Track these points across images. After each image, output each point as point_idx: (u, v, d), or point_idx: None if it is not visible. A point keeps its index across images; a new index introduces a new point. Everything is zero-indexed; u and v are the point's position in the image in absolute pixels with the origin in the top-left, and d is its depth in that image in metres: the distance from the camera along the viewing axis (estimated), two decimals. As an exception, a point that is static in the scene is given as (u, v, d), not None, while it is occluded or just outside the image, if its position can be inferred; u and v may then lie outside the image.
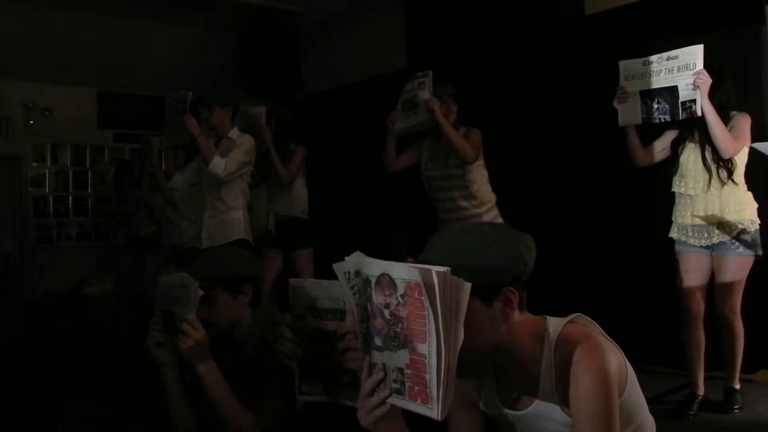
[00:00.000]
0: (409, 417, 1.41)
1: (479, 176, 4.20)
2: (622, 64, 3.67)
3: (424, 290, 1.25)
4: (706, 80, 3.33)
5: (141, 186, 5.81)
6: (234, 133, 4.47)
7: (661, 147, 3.70)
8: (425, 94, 4.08)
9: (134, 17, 6.66)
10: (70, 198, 7.54)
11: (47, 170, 7.40)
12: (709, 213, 3.47)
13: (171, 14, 6.73)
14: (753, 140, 3.42)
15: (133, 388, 3.67)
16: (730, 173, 3.43)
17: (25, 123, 7.19)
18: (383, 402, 1.39)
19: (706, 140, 3.47)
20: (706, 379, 3.63)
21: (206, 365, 2.19)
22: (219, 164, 4.26)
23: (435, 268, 1.24)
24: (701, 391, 3.58)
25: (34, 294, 6.88)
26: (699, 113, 3.36)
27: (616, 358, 1.48)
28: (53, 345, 5.90)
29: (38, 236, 7.32)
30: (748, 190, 3.51)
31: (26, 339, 6.38)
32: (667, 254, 3.70)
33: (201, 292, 2.18)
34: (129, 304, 6.28)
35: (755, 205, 3.49)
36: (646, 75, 3.56)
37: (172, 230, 5.09)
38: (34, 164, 7.33)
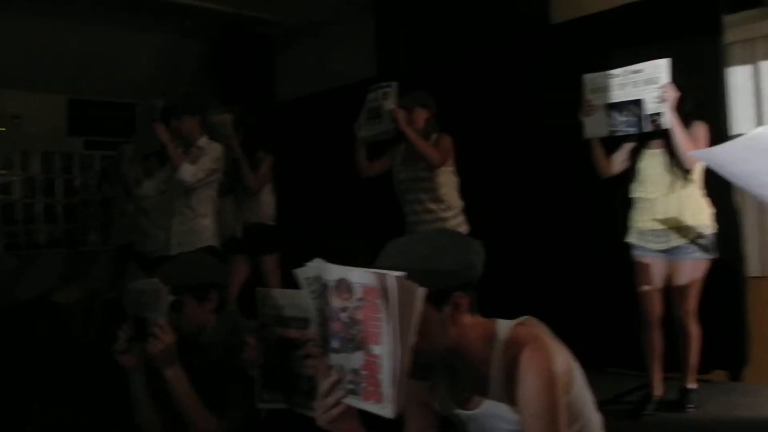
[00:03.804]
0: (367, 418, 1.47)
1: (448, 181, 4.27)
2: (588, 78, 3.73)
3: (380, 294, 1.31)
4: (672, 94, 3.42)
5: (116, 194, 5.82)
6: (203, 141, 4.50)
7: (622, 158, 3.78)
8: (390, 104, 4.18)
9: (106, 24, 6.63)
10: (39, 205, 7.49)
11: (16, 177, 7.35)
12: (668, 216, 3.56)
13: (143, 21, 6.72)
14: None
15: (101, 394, 3.69)
16: (689, 174, 3.54)
17: (-5, 130, 7.15)
18: (339, 402, 1.44)
19: (669, 147, 3.56)
20: (663, 379, 3.71)
21: (174, 369, 2.24)
22: (188, 171, 4.30)
23: (391, 273, 1.30)
24: (658, 392, 3.67)
25: (3, 301, 6.83)
26: (666, 126, 3.45)
27: (562, 358, 1.54)
28: (22, 351, 5.87)
29: (6, 243, 7.27)
30: (704, 195, 3.61)
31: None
32: (626, 259, 3.78)
33: (171, 298, 2.23)
34: (100, 310, 6.27)
35: (711, 210, 3.59)
36: (612, 88, 3.62)
37: (144, 238, 5.11)
38: (3, 171, 7.27)
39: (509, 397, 1.55)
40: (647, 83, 3.50)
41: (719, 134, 3.92)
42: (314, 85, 6.63)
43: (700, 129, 3.55)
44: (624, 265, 3.80)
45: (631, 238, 3.72)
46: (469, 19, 5.39)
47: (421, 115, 4.26)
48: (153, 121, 4.36)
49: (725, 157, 1.38)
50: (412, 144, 4.15)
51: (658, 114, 3.47)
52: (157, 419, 2.40)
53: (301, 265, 1.51)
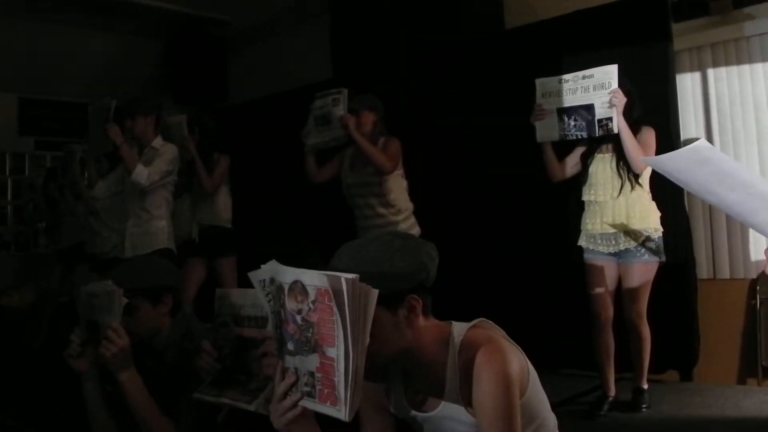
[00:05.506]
0: (325, 421, 1.47)
1: (397, 185, 4.26)
2: (539, 82, 3.77)
3: (333, 296, 1.31)
4: (622, 99, 3.47)
5: (64, 194, 5.72)
6: (157, 141, 4.45)
7: (573, 162, 3.84)
8: (340, 110, 4.16)
9: (58, 22, 6.52)
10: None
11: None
12: (617, 220, 3.61)
13: (96, 20, 6.62)
14: (658, 152, 3.60)
15: (53, 400, 3.63)
16: (637, 178, 3.61)
17: (-58, 129, 6.99)
18: (295, 405, 1.44)
19: (618, 151, 3.63)
20: (616, 380, 3.77)
21: (128, 373, 2.21)
22: (142, 173, 4.24)
23: (344, 275, 1.30)
24: (612, 392, 3.72)
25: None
26: (615, 131, 3.50)
27: (517, 360, 1.55)
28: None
29: (-46, 246, 7.12)
30: (653, 199, 3.68)
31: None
32: (578, 261, 3.83)
33: (125, 300, 2.20)
34: (51, 314, 6.16)
35: (659, 214, 3.66)
36: (563, 93, 3.67)
37: (95, 239, 5.04)
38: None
39: (465, 399, 1.57)
40: (597, 88, 3.56)
41: (668, 140, 4.02)
42: (269, 86, 6.60)
43: (649, 134, 3.63)
44: (576, 267, 3.86)
45: (582, 242, 3.78)
46: (424, 22, 5.42)
47: (369, 119, 4.26)
48: (106, 122, 4.28)
49: (671, 165, 1.41)
50: (362, 151, 4.15)
51: (608, 119, 3.53)
52: (111, 424, 2.37)
53: (257, 267, 1.51)
